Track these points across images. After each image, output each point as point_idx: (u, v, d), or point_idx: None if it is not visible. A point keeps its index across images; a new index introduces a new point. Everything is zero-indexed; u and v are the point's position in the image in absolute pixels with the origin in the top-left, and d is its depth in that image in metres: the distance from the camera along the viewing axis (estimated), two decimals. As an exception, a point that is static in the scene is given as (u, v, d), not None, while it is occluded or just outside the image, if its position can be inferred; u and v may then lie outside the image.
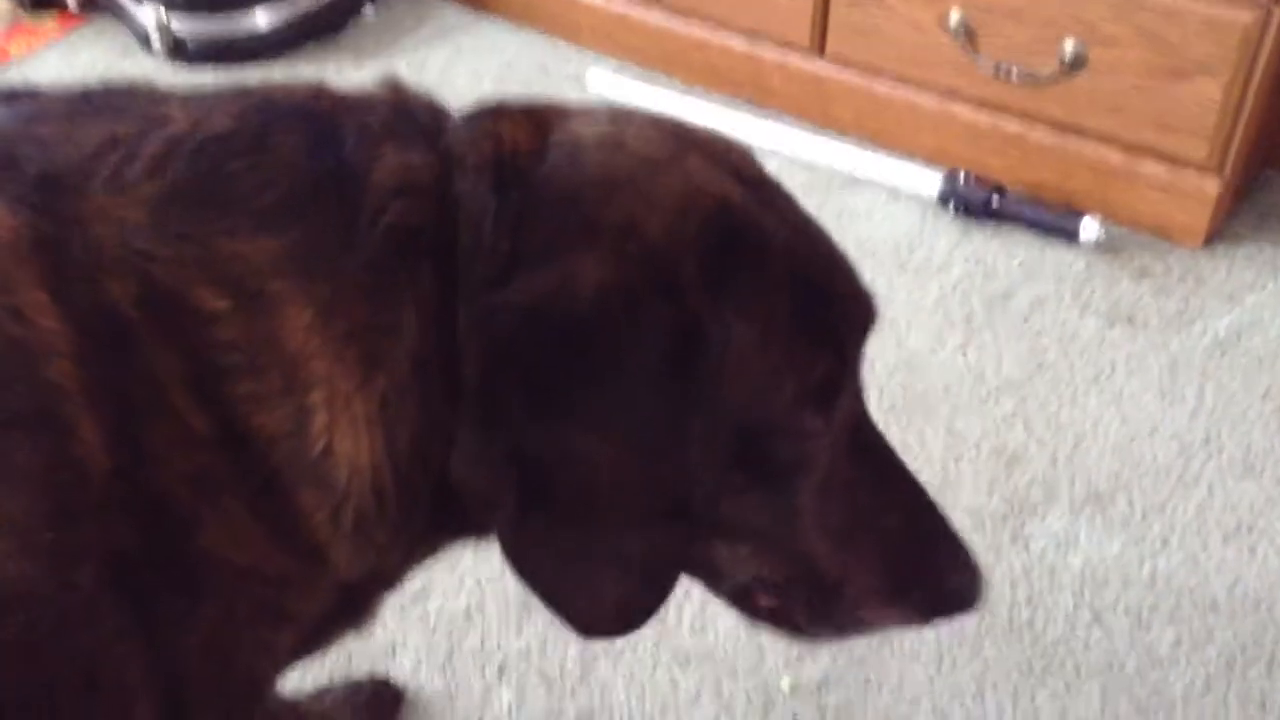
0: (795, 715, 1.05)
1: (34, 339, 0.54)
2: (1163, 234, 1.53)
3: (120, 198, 0.57)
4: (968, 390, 1.34)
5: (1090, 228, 1.49)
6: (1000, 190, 1.55)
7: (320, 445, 0.59)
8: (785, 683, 1.07)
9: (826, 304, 0.65)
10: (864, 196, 1.61)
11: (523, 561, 0.63)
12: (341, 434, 0.59)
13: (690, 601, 1.13)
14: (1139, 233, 1.54)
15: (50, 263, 0.55)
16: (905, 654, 1.09)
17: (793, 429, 0.64)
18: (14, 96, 0.62)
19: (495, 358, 0.59)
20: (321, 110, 0.63)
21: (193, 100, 0.63)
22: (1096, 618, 1.12)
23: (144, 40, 1.90)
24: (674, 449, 0.61)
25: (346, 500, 0.60)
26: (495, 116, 0.66)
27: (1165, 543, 1.18)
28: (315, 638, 0.71)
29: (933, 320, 1.43)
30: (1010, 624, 1.12)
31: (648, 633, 1.10)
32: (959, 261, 1.51)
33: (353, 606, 0.71)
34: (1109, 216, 1.53)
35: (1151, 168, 1.51)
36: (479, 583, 1.15)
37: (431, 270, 0.60)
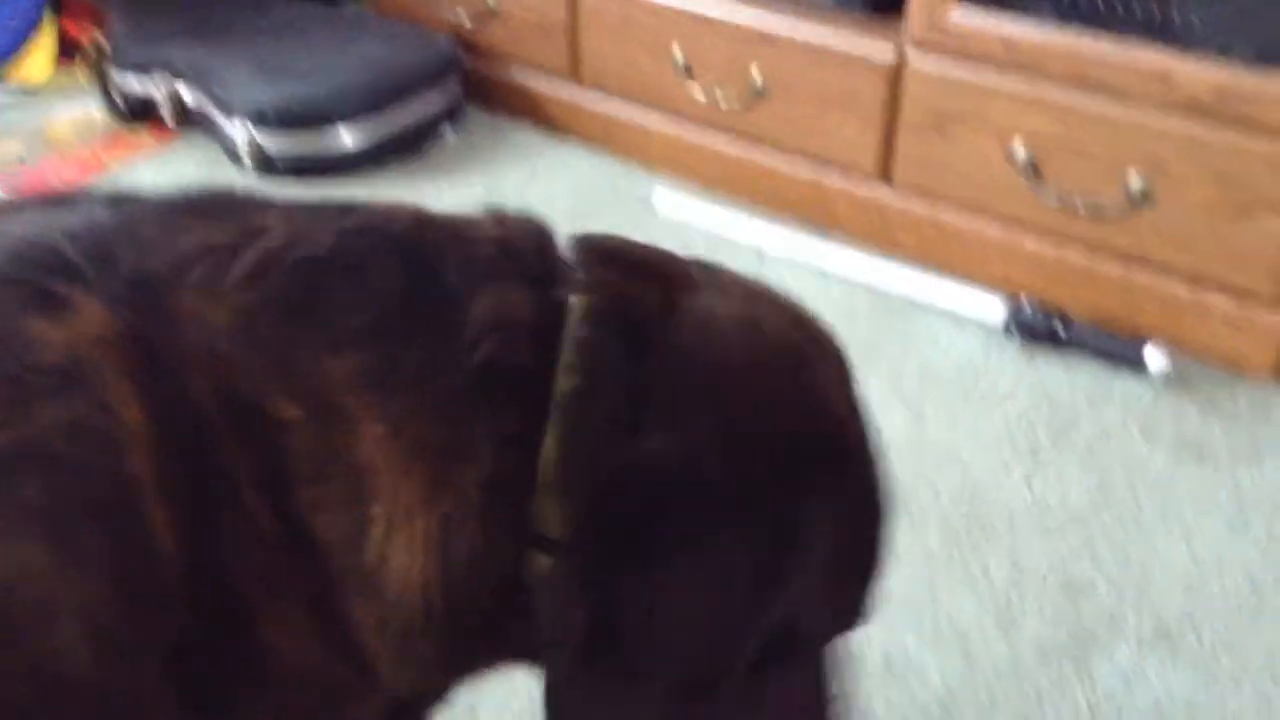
0: (852, 846, 1.02)
1: (116, 431, 0.56)
2: (1231, 367, 1.52)
3: (210, 302, 0.59)
4: (1033, 521, 1.33)
5: (1157, 359, 1.49)
6: (1065, 319, 1.56)
7: (375, 556, 0.60)
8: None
9: (875, 548, 0.70)
10: (927, 323, 1.62)
11: (565, 703, 0.64)
12: (397, 548, 0.60)
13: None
14: (1207, 365, 1.53)
15: (139, 359, 0.57)
16: (966, 787, 1.07)
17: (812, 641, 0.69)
18: (118, 200, 0.66)
19: (607, 508, 0.61)
20: (424, 241, 0.65)
21: (292, 214, 0.65)
22: (1165, 758, 1.09)
23: (233, 155, 1.98)
24: (743, 634, 0.64)
25: (394, 612, 0.61)
26: (614, 265, 0.67)
27: (1236, 682, 1.15)
28: None
29: (997, 449, 1.43)
30: (1075, 761, 1.09)
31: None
32: (1024, 390, 1.51)
33: (402, 718, 0.71)
34: (1176, 348, 1.52)
35: (1219, 301, 1.51)
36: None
37: (518, 408, 0.62)
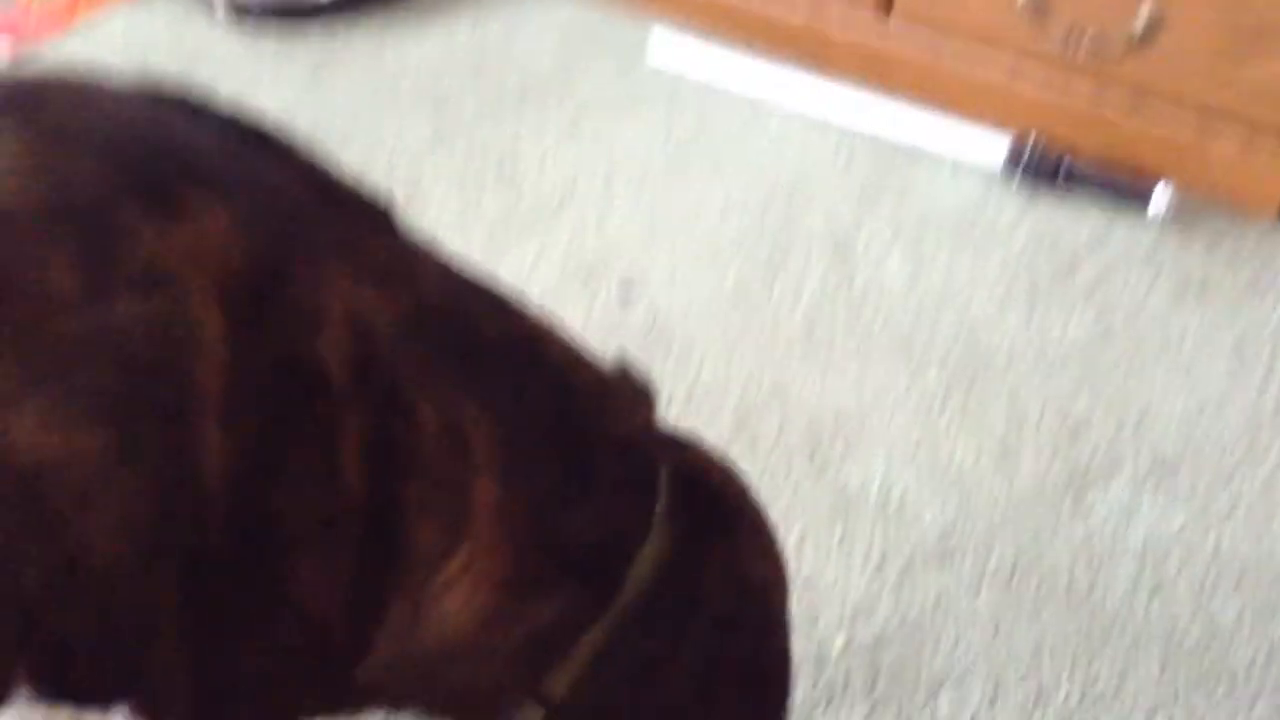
0: (849, 674, 1.04)
1: (192, 339, 0.55)
2: (1235, 205, 1.50)
3: (367, 292, 0.60)
4: (1030, 360, 1.32)
5: (1161, 197, 1.46)
6: (1069, 159, 1.52)
7: (440, 585, 0.62)
8: (839, 642, 1.06)
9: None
10: (926, 167, 1.58)
11: None
12: (456, 598, 0.63)
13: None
14: (1212, 204, 1.51)
15: (246, 279, 0.57)
16: (961, 617, 1.08)
17: None
18: (259, 139, 0.66)
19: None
20: (582, 398, 0.68)
21: (451, 282, 0.67)
22: (1158, 588, 1.10)
23: (207, 3, 1.92)
24: None
25: (409, 639, 0.63)
26: (694, 496, 0.72)
27: (1230, 515, 1.16)
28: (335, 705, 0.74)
29: (995, 291, 1.41)
30: (1069, 592, 1.10)
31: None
32: (1023, 232, 1.49)
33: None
34: (1180, 187, 1.49)
35: (1225, 139, 1.48)
36: None
37: (591, 591, 0.68)
